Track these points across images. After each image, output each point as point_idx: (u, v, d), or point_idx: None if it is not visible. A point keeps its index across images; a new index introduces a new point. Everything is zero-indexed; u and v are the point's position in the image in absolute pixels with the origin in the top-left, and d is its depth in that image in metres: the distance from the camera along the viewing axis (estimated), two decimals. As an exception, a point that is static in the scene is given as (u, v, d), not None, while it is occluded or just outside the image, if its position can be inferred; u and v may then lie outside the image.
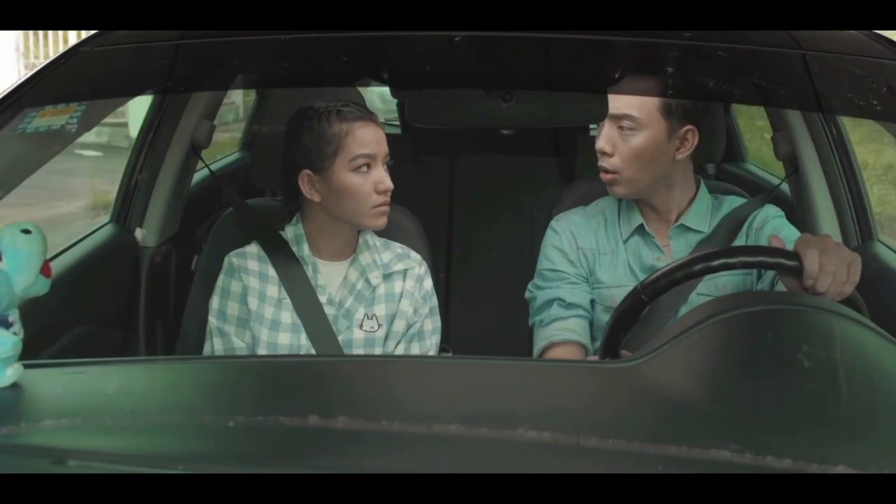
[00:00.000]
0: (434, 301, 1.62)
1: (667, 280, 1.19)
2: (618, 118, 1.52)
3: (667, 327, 1.29)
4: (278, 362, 1.10)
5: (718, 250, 1.32)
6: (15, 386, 0.81)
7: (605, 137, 1.54)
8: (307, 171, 1.50)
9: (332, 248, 1.55)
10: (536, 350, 1.54)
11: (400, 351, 1.56)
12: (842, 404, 0.81)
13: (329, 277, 1.54)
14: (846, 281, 1.19)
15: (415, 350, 1.57)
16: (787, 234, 1.53)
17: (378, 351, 1.54)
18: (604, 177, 1.56)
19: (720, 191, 1.70)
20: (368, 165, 1.48)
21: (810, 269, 1.17)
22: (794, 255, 1.19)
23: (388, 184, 1.49)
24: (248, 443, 0.75)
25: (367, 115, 1.52)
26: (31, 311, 0.89)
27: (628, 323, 1.22)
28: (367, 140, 1.49)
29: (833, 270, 1.17)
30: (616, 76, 1.43)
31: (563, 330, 1.53)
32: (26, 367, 0.82)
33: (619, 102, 1.51)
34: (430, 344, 1.59)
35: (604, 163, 1.55)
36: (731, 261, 1.20)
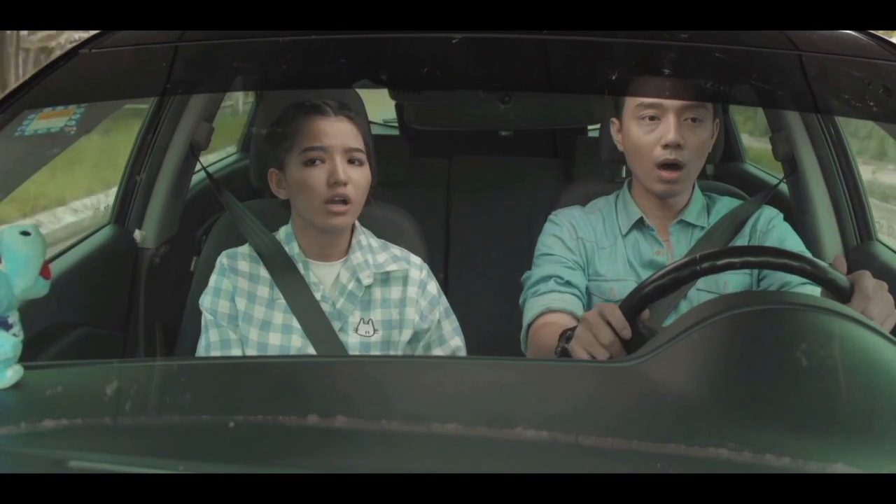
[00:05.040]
0: (444, 302, 1.58)
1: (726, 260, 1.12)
2: (691, 109, 1.49)
3: (666, 326, 1.29)
4: (278, 362, 1.10)
5: (772, 248, 1.30)
6: (15, 387, 0.81)
7: (677, 130, 1.49)
8: (273, 169, 1.52)
9: (319, 247, 1.52)
10: (529, 317, 1.49)
11: None
12: (841, 404, 0.81)
13: (321, 277, 1.51)
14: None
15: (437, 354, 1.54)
16: (793, 244, 1.54)
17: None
18: (668, 174, 1.51)
19: (714, 191, 1.71)
20: (322, 159, 1.45)
21: (857, 307, 1.12)
22: (850, 287, 1.14)
23: (340, 176, 1.43)
24: (248, 443, 0.75)
25: (325, 110, 1.48)
26: (31, 312, 0.89)
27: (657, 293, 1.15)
28: (318, 132, 1.46)
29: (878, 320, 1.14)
30: (615, 77, 1.43)
31: (560, 300, 1.48)
32: (26, 368, 0.82)
33: (691, 94, 1.46)
34: (453, 346, 1.56)
35: (675, 156, 1.50)
36: (774, 260, 1.15)
